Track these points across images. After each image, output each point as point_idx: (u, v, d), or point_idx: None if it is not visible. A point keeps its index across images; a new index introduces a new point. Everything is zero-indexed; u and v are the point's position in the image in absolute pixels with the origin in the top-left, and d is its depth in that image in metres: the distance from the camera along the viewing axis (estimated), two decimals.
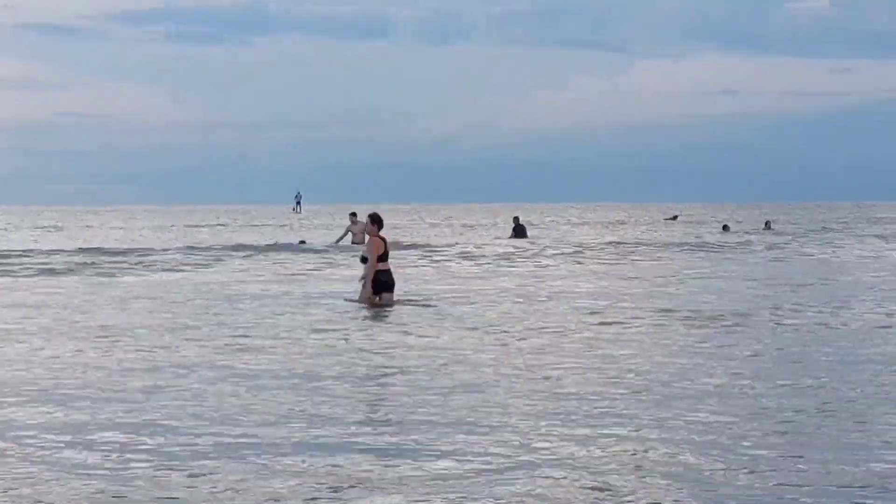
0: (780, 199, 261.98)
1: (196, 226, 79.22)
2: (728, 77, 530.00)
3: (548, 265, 30.63)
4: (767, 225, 60.99)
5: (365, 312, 17.59)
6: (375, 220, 18.88)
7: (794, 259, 33.80)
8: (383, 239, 18.77)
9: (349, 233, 40.67)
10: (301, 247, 40.73)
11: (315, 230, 65.36)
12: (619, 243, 44.10)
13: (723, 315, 16.76)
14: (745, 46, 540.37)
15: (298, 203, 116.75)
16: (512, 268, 29.57)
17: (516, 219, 50.66)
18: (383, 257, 18.56)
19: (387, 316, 17.08)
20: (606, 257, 34.73)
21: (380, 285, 18.55)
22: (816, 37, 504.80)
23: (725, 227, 59.62)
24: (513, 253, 36.77)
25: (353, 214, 40.80)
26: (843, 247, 41.54)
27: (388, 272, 18.63)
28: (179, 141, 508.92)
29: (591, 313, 17.19)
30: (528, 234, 49.90)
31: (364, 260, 18.84)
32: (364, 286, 18.66)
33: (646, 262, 31.92)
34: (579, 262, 32.04)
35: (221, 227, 75.48)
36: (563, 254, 36.36)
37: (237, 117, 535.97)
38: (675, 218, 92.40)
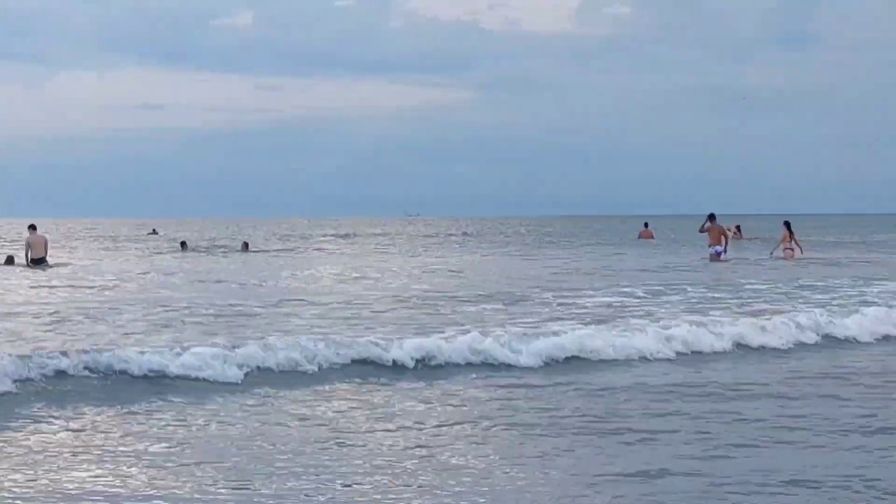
0: (205, 214, 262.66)
1: None
2: (154, 91, 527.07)
3: None
4: (245, 246, 53.59)
5: None
6: None
7: None
8: None
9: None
10: None
11: None
12: None
13: None
14: (171, 61, 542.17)
15: None
16: None
17: None
18: None
19: None
20: None
21: None
22: (242, 54, 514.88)
23: (245, 246, 53.35)
24: None
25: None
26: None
27: None
28: None
29: None
30: None
31: None
32: None
33: None
34: None
35: None
36: None
37: None
38: (154, 231, 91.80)
